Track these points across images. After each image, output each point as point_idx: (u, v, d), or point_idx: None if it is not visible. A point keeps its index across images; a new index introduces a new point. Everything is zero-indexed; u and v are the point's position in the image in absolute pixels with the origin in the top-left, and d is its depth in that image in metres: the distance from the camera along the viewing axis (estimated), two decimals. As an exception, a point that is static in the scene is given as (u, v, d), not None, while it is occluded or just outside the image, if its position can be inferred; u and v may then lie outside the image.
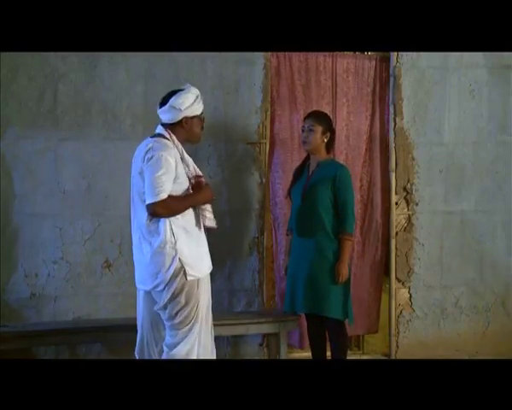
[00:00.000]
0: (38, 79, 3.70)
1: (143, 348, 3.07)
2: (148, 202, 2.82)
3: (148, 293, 3.00)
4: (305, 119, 3.62)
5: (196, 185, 2.98)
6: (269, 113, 4.01)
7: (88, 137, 3.76)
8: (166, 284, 2.88)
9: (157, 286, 2.90)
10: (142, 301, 3.05)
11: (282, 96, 4.09)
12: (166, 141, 2.94)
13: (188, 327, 2.93)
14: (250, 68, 3.97)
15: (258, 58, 3.97)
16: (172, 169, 2.86)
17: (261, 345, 4.08)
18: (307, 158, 3.66)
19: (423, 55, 4.18)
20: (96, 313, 3.79)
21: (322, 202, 3.47)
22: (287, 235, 3.80)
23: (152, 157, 2.83)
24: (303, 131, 3.57)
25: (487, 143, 4.32)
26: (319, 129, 3.52)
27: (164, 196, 2.81)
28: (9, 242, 3.68)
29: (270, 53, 4.00)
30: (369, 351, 4.40)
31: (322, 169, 3.53)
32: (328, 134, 3.57)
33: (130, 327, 3.29)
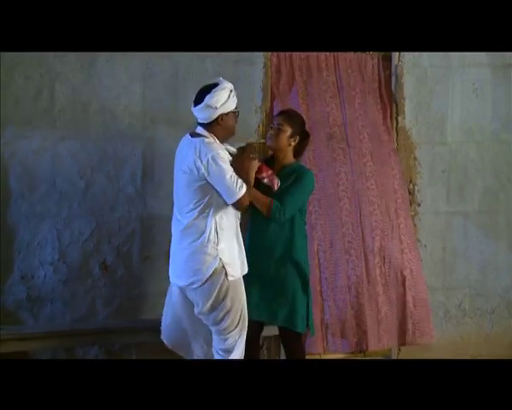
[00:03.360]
0: (35, 78, 3.65)
1: (185, 343, 3.10)
2: (234, 199, 2.93)
3: (183, 289, 3.02)
4: (276, 115, 3.44)
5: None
6: (269, 112, 3.96)
7: (86, 136, 3.72)
8: (203, 284, 2.91)
9: (192, 284, 2.93)
10: (179, 297, 3.06)
11: (282, 92, 4.03)
12: (213, 140, 2.99)
13: (237, 330, 2.98)
14: (250, 68, 3.92)
15: (258, 57, 3.93)
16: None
17: (261, 347, 4.03)
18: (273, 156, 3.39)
19: (425, 53, 4.13)
20: (93, 316, 3.73)
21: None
22: None
23: (213, 158, 2.90)
24: (271, 128, 3.31)
25: (490, 142, 4.29)
26: (288, 130, 3.24)
27: (244, 188, 2.94)
28: (5, 242, 3.64)
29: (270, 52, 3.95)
30: (371, 352, 4.35)
31: (286, 175, 3.23)
32: (297, 138, 3.28)
33: (128, 330, 3.27)
